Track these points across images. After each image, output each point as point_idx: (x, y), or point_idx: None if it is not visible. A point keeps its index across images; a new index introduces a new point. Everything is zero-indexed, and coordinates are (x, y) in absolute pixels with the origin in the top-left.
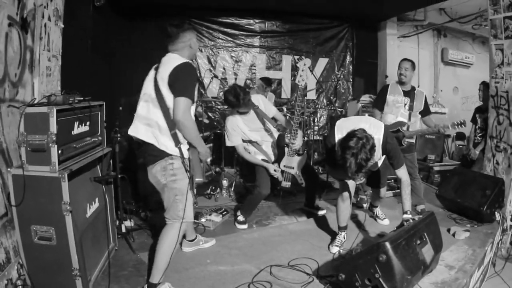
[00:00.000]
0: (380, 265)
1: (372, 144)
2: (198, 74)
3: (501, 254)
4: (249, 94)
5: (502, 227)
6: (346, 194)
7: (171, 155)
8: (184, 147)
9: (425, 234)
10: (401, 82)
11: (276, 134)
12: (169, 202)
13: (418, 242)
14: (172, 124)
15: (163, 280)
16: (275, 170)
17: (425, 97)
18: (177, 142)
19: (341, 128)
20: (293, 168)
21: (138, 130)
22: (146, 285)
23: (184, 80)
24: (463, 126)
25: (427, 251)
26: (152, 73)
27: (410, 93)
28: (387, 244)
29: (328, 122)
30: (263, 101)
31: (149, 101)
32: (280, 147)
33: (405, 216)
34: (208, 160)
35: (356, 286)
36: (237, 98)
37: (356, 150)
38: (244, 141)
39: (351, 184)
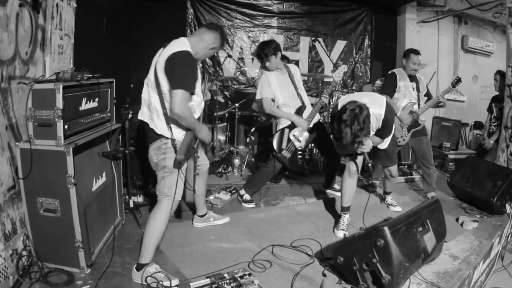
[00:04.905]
0: (378, 250)
1: (366, 114)
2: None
3: (510, 247)
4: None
5: None
6: (354, 168)
7: (166, 137)
8: (176, 129)
9: (428, 221)
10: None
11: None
12: (159, 179)
13: (420, 229)
14: (164, 106)
15: (152, 261)
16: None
17: (424, 81)
18: (168, 122)
19: (343, 102)
20: (300, 141)
21: (144, 113)
22: (135, 266)
23: (181, 71)
24: (460, 82)
25: (429, 239)
26: (158, 52)
27: (414, 78)
28: (386, 229)
29: None
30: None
31: (149, 85)
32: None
33: None
34: (209, 139)
35: (354, 270)
36: (258, 56)
37: (349, 121)
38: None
39: (358, 159)
